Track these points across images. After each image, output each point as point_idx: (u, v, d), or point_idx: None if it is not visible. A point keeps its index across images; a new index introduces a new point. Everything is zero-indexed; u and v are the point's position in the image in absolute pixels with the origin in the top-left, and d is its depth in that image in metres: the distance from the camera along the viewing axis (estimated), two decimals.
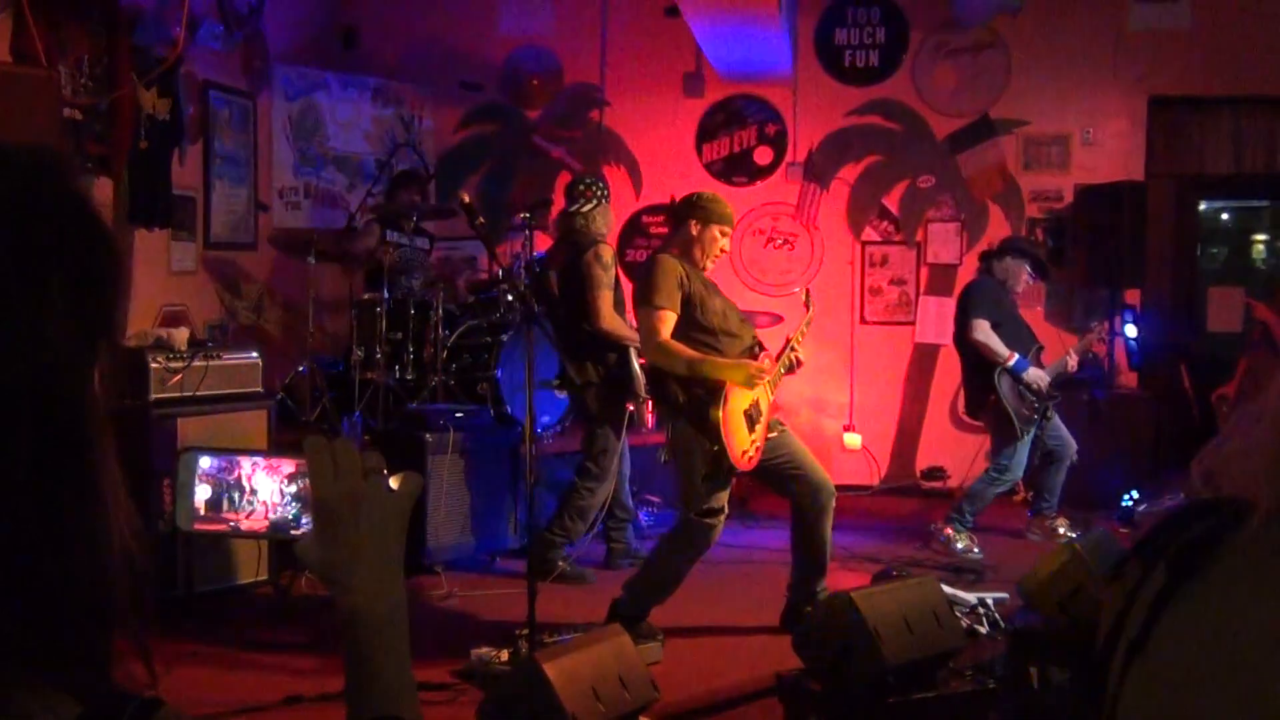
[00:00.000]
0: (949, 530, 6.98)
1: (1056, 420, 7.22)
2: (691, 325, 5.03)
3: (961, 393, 8.94)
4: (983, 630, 5.26)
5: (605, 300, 6.08)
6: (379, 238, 7.32)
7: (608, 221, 6.33)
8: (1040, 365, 7.09)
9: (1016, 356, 6.91)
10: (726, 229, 5.23)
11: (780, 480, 5.31)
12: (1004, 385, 6.92)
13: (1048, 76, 8.84)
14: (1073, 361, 7.35)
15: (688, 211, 5.23)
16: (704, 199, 5.27)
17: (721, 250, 5.25)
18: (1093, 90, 8.80)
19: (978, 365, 7.04)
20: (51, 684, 0.85)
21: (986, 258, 7.54)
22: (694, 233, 5.17)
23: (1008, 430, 6.96)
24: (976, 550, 6.88)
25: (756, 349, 5.19)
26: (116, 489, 0.91)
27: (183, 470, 1.20)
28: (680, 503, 5.17)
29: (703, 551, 5.14)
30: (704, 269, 5.24)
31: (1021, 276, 7.24)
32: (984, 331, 6.94)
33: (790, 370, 5.31)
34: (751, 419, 5.01)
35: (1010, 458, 6.97)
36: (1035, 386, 6.92)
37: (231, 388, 5.72)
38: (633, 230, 9.22)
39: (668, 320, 4.98)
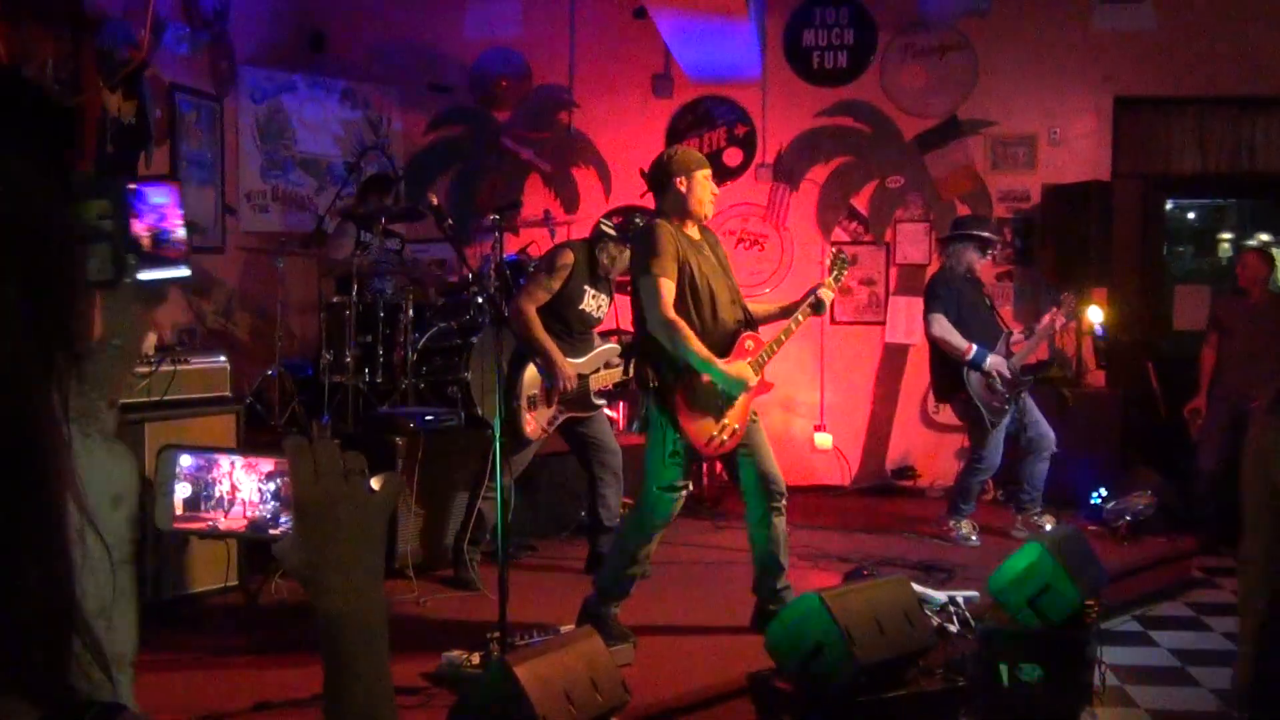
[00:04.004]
0: (951, 521, 7.23)
1: (1034, 410, 7.28)
2: (678, 307, 5.00)
3: (931, 392, 9.02)
4: (953, 629, 5.28)
5: (528, 292, 6.09)
6: (355, 239, 7.30)
7: (612, 257, 6.22)
8: (1011, 352, 7.16)
9: (975, 348, 6.99)
10: (707, 171, 5.19)
11: (734, 468, 5.34)
12: (973, 380, 7.00)
13: (1015, 77, 8.89)
14: (1039, 343, 7.48)
15: (668, 171, 5.18)
16: (675, 155, 5.22)
17: (713, 193, 5.21)
18: (1059, 91, 8.86)
19: (944, 356, 7.12)
20: (9, 690, 0.84)
21: (942, 245, 7.65)
22: (683, 189, 5.13)
23: (979, 423, 7.06)
24: (975, 538, 7.15)
25: (741, 329, 5.17)
26: (74, 498, 0.90)
27: (162, 468, 1.19)
28: (645, 475, 5.18)
29: (663, 525, 5.14)
30: (705, 218, 5.22)
31: (970, 259, 7.28)
32: (940, 326, 7.04)
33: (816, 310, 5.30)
34: (720, 406, 5.02)
35: (986, 448, 7.12)
36: (997, 373, 7.01)
37: (199, 392, 5.68)
38: None
39: (668, 289, 4.92)
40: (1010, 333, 7.29)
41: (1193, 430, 8.17)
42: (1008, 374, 7.06)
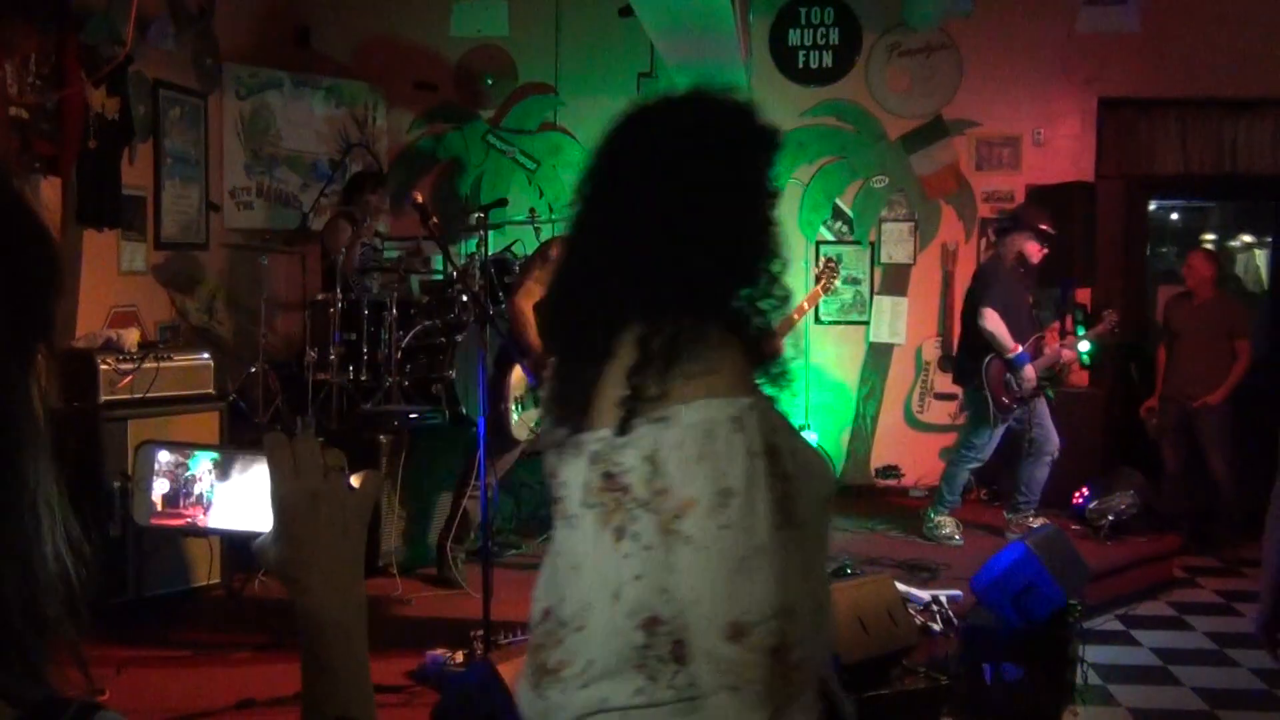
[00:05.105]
0: (934, 515, 7.26)
1: (1044, 414, 7.28)
2: None
3: (916, 391, 9.03)
4: (936, 627, 5.30)
5: (525, 288, 6.08)
6: (351, 234, 7.30)
7: None
8: (1040, 353, 7.17)
9: (1020, 350, 6.98)
10: None
11: None
12: (990, 370, 6.98)
13: (999, 78, 8.91)
14: (1068, 354, 7.48)
15: None
16: None
17: None
18: (1043, 92, 8.88)
19: (975, 343, 7.10)
20: None
21: (999, 233, 7.57)
22: None
23: (983, 415, 7.06)
24: (958, 537, 7.16)
25: None
26: (51, 496, 0.90)
27: (140, 464, 1.19)
28: None
29: None
30: None
31: (1029, 248, 7.24)
32: (994, 321, 6.97)
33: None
34: None
35: (982, 438, 7.12)
36: (1026, 384, 7.01)
37: (183, 389, 5.67)
38: None
39: None
40: (1042, 335, 7.30)
41: (1149, 429, 8.26)
42: (1033, 384, 7.06)
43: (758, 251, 1.70)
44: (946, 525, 7.21)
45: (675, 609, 1.53)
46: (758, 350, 1.62)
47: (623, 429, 1.56)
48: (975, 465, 7.34)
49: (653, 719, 1.56)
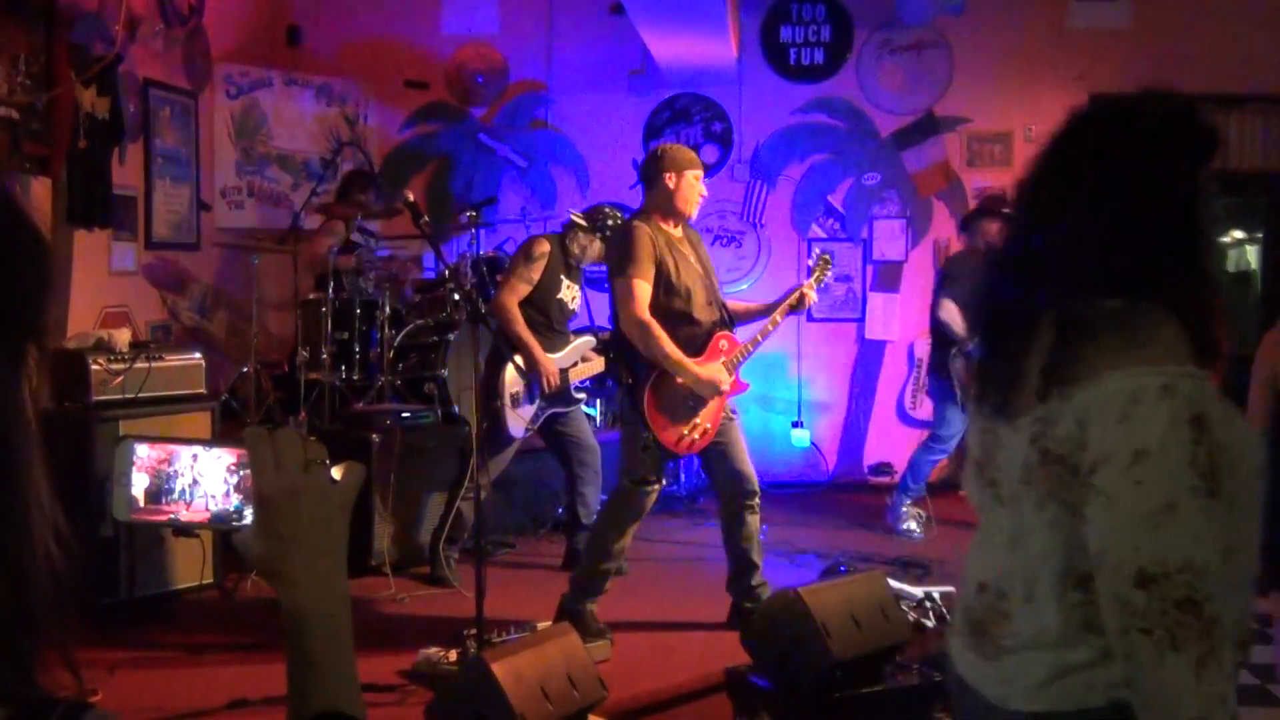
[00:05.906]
0: (903, 509, 7.26)
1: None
2: (654, 306, 5.02)
3: (908, 388, 9.05)
4: (929, 624, 5.30)
5: (510, 285, 6.09)
6: (342, 237, 7.28)
7: (581, 246, 6.22)
8: None
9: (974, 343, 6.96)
10: (698, 172, 5.22)
11: (709, 465, 5.38)
12: (957, 365, 7.00)
13: (990, 74, 8.92)
14: None
15: (658, 167, 5.20)
16: (668, 150, 5.26)
17: (701, 195, 5.23)
18: (1034, 88, 8.88)
19: (943, 338, 7.13)
20: None
21: (967, 224, 7.58)
22: (671, 185, 5.15)
23: (949, 400, 7.08)
24: (919, 533, 7.17)
25: (716, 330, 5.18)
26: (40, 495, 0.89)
27: (119, 459, 1.18)
28: (622, 469, 5.20)
29: (636, 519, 5.15)
30: (689, 217, 5.24)
31: (994, 230, 7.26)
32: (948, 311, 6.99)
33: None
34: (691, 406, 5.03)
35: (948, 427, 7.13)
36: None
37: (174, 389, 5.65)
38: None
39: (643, 290, 4.94)
40: None
41: None
42: None
43: (1200, 240, 1.83)
44: (908, 519, 7.22)
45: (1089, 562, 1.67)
46: (1198, 331, 1.72)
47: (1047, 399, 1.69)
48: (940, 456, 7.36)
49: (1111, 675, 1.69)
